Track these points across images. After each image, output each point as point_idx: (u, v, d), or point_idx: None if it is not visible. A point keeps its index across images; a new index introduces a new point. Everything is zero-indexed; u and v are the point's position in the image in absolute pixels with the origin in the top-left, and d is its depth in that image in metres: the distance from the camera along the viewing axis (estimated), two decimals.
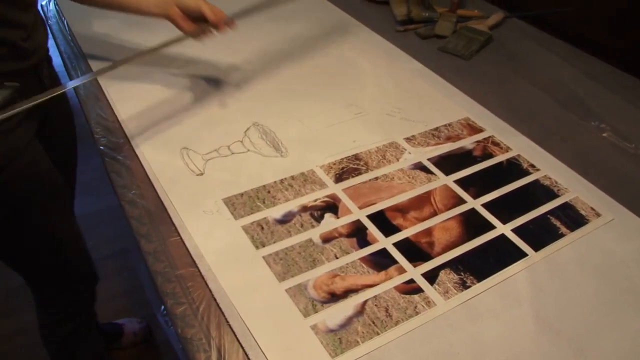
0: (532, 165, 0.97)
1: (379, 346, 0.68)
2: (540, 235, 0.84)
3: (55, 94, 0.80)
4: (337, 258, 0.79)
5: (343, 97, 1.13)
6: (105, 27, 1.27)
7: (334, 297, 0.73)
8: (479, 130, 1.05)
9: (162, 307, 1.56)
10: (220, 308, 0.71)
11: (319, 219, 0.85)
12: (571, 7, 1.41)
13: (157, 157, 0.93)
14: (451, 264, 0.78)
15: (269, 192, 0.89)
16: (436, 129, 1.05)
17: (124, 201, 0.85)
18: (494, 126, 1.07)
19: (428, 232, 0.83)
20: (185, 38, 0.98)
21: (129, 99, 1.07)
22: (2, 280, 1.87)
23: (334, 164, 0.95)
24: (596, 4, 1.37)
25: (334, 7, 1.50)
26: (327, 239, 0.81)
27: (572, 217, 0.87)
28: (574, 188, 0.93)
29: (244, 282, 0.74)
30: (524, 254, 0.80)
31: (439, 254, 0.80)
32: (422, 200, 0.89)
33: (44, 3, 1.39)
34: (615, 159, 1.01)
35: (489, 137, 1.04)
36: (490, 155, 0.99)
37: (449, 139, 1.02)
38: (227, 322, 0.69)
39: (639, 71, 1.24)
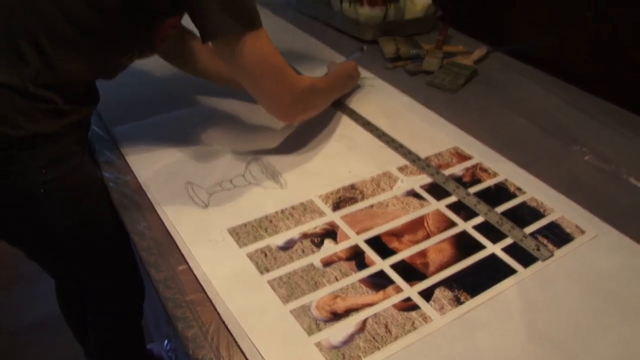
0: (519, 189, 1.02)
1: None
2: (529, 253, 0.88)
3: None
4: (337, 280, 0.83)
5: (338, 130, 1.19)
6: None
7: (336, 316, 0.77)
8: (468, 157, 1.11)
9: (166, 342, 1.59)
10: (228, 330, 0.75)
11: (319, 244, 0.89)
12: (550, 39, 1.48)
13: (163, 191, 0.99)
14: (445, 282, 0.83)
15: (270, 221, 0.94)
16: (427, 158, 1.10)
17: (133, 234, 0.90)
18: (481, 153, 1.12)
19: (422, 253, 0.88)
20: None
21: (134, 138, 1.13)
22: (4, 322, 1.90)
23: (332, 193, 1.01)
24: (573, 36, 1.44)
25: (327, 47, 1.58)
26: (327, 263, 0.86)
27: (559, 235, 0.92)
28: (559, 208, 0.98)
29: (251, 305, 0.78)
30: (513, 271, 0.85)
31: (434, 273, 0.84)
32: (416, 224, 0.94)
33: None
34: (597, 179, 1.06)
35: (477, 163, 1.09)
36: (479, 181, 1.04)
37: (439, 167, 1.08)
38: (236, 342, 0.73)
39: (616, 97, 1.31)
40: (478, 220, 0.95)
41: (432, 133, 1.19)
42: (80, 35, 0.88)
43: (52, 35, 0.86)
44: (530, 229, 0.93)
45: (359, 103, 1.29)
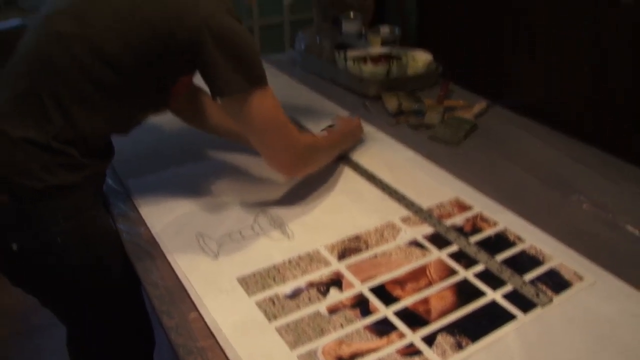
0: (519, 237, 1.06)
1: None
2: (528, 299, 0.91)
3: None
4: (342, 327, 0.86)
5: (343, 183, 1.24)
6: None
7: None
8: (468, 208, 1.15)
9: None
10: None
11: (325, 293, 0.93)
12: (547, 94, 1.54)
13: (175, 242, 1.03)
14: (447, 328, 0.86)
15: (278, 271, 0.97)
16: (429, 209, 1.14)
17: (146, 283, 0.94)
18: (482, 204, 1.16)
19: (425, 301, 0.91)
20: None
21: (147, 190, 1.18)
22: None
23: (337, 243, 1.04)
24: (570, 89, 1.50)
25: (331, 103, 1.64)
26: (333, 310, 0.89)
27: (558, 282, 0.95)
28: (558, 255, 1.01)
29: (260, 351, 0.81)
30: (513, 317, 0.88)
31: (436, 319, 0.87)
32: (418, 272, 0.97)
33: None
34: (595, 227, 1.09)
35: (478, 213, 1.13)
36: (479, 230, 1.08)
37: (441, 217, 1.11)
38: None
39: (611, 148, 1.35)
40: (479, 268, 0.98)
41: (433, 185, 1.23)
42: (100, 94, 0.94)
43: (75, 94, 0.93)
44: (529, 276, 0.96)
45: (363, 157, 1.34)
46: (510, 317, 0.88)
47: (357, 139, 1.39)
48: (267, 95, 1.00)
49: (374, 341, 0.83)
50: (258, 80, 0.98)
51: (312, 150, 1.14)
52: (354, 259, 1.00)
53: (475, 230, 1.08)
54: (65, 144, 0.94)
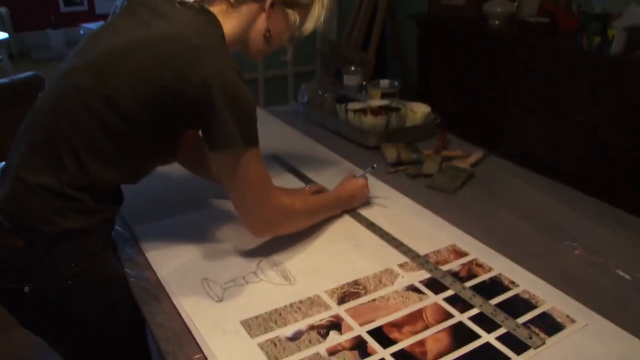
0: (513, 282, 1.09)
1: None
2: (521, 341, 0.94)
3: None
4: None
5: (343, 230, 1.28)
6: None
7: None
8: (464, 254, 1.18)
9: None
10: None
11: (324, 335, 0.96)
12: (543, 144, 1.59)
13: (181, 286, 1.07)
14: None
15: (280, 314, 1.01)
16: (426, 255, 1.18)
17: (153, 325, 0.97)
18: (477, 250, 1.20)
19: (421, 343, 0.94)
20: None
21: (154, 236, 1.23)
22: None
23: (337, 288, 1.08)
24: (565, 140, 1.55)
25: (333, 153, 1.69)
26: (332, 352, 0.92)
27: (550, 324, 0.98)
28: (551, 299, 1.04)
29: None
30: (507, 358, 0.90)
31: None
32: (415, 316, 1.01)
33: None
34: (587, 272, 1.13)
35: (473, 259, 1.17)
36: (474, 275, 1.12)
37: (437, 263, 1.15)
38: None
39: (603, 195, 1.39)
40: (473, 311, 1.01)
41: (430, 232, 1.27)
42: (112, 144, 1.00)
43: (89, 144, 0.99)
44: (523, 319, 0.99)
45: (363, 205, 1.38)
46: (504, 358, 0.91)
47: (359, 202, 1.38)
48: (258, 156, 1.06)
49: None
50: (253, 140, 1.04)
51: (285, 218, 1.18)
52: (353, 303, 1.04)
53: (471, 275, 1.12)
54: (78, 191, 1.00)
